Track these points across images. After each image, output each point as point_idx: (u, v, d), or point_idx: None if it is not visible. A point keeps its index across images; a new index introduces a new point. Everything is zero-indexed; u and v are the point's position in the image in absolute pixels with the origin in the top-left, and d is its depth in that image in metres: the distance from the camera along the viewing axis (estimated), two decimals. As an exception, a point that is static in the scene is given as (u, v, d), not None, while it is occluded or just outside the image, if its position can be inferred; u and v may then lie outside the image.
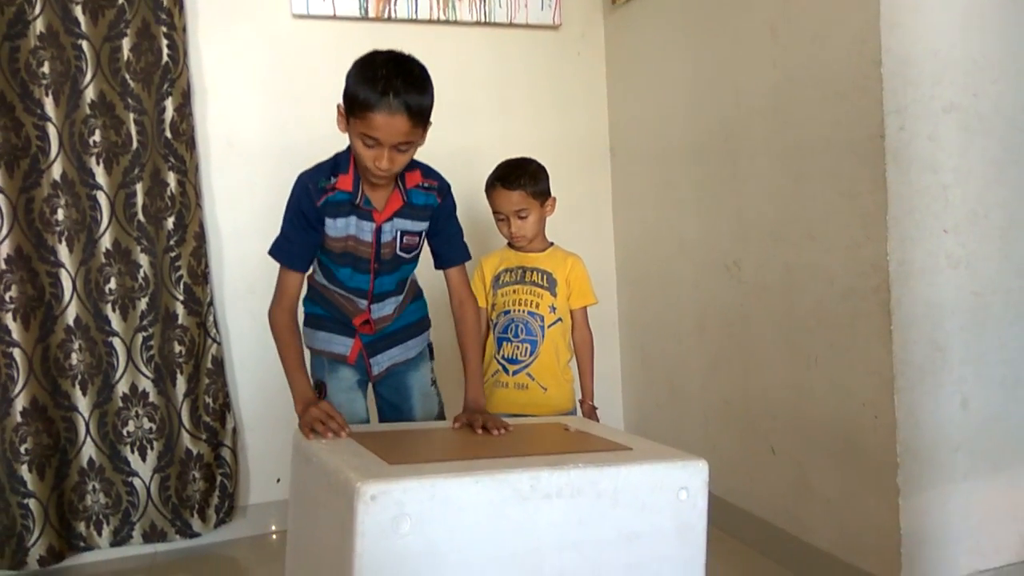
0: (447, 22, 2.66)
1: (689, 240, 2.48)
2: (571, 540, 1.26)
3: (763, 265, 2.14)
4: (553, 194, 2.02)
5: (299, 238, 1.62)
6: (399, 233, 1.66)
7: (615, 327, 2.95)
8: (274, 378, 2.50)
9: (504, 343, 1.97)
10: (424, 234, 1.72)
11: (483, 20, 2.70)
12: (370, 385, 1.83)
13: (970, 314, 1.80)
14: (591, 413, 2.03)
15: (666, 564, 1.32)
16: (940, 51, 1.76)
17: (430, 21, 2.63)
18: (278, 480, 2.52)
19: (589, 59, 2.89)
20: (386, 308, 1.76)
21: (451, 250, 1.76)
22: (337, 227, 1.62)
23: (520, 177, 1.93)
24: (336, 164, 1.63)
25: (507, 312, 1.97)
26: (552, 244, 2.04)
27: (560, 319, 1.98)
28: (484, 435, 1.51)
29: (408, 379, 1.79)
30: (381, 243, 1.65)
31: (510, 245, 2.04)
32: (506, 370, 1.96)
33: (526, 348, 1.95)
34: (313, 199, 1.59)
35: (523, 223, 1.95)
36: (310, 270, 1.75)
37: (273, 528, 2.53)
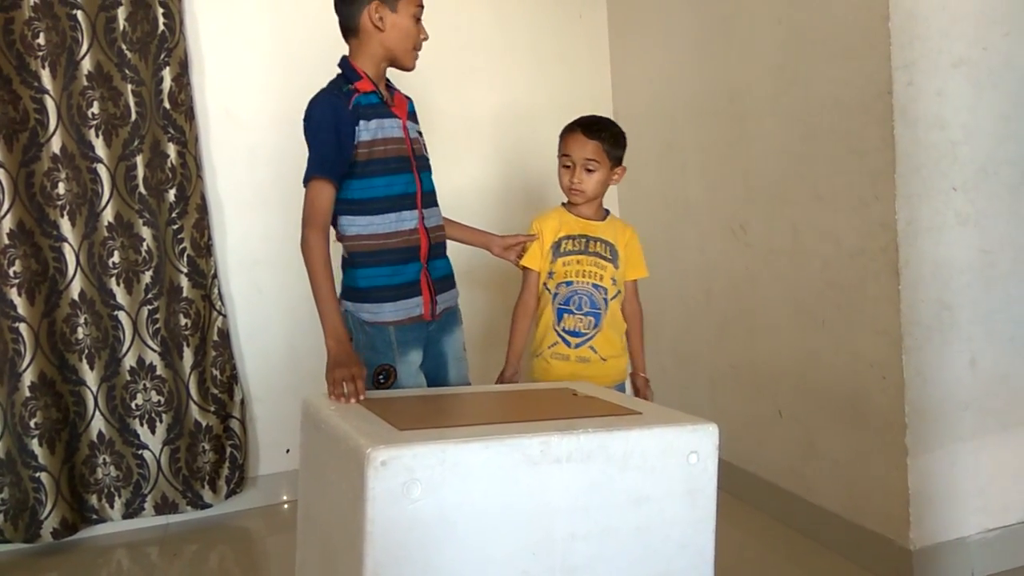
0: (446, -14, 2.61)
1: (694, 203, 2.46)
2: (581, 504, 1.26)
3: (770, 227, 2.12)
4: (624, 167, 1.91)
5: (333, 152, 1.57)
6: (418, 133, 1.74)
7: (620, 293, 2.94)
8: (280, 349, 2.52)
9: (566, 315, 1.86)
10: None
11: (483, -17, 2.65)
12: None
13: (978, 272, 1.78)
14: (645, 385, 1.97)
15: (676, 527, 1.32)
16: (949, 4, 1.72)
17: (429, -15, 2.58)
18: (287, 450, 2.54)
19: (592, 20, 2.85)
20: (434, 217, 1.72)
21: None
22: (371, 129, 1.60)
23: (602, 130, 1.84)
24: (344, 78, 1.64)
25: (569, 283, 1.85)
26: (608, 212, 1.93)
27: (620, 291, 1.89)
28: (502, 395, 1.54)
29: (444, 346, 1.75)
30: (412, 138, 1.69)
31: (565, 205, 1.92)
32: (567, 343, 1.86)
33: (590, 321, 1.85)
34: (343, 104, 1.58)
35: (587, 177, 1.83)
36: (352, 231, 1.66)
37: (284, 498, 2.55)
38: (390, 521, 1.12)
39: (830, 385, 1.95)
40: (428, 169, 1.73)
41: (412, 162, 1.66)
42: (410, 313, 1.65)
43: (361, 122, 1.58)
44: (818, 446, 2.02)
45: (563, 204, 1.93)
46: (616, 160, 1.86)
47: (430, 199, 1.71)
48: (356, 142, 1.58)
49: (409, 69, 1.67)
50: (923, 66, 1.71)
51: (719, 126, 2.30)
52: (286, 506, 2.53)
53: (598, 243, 1.88)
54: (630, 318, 1.95)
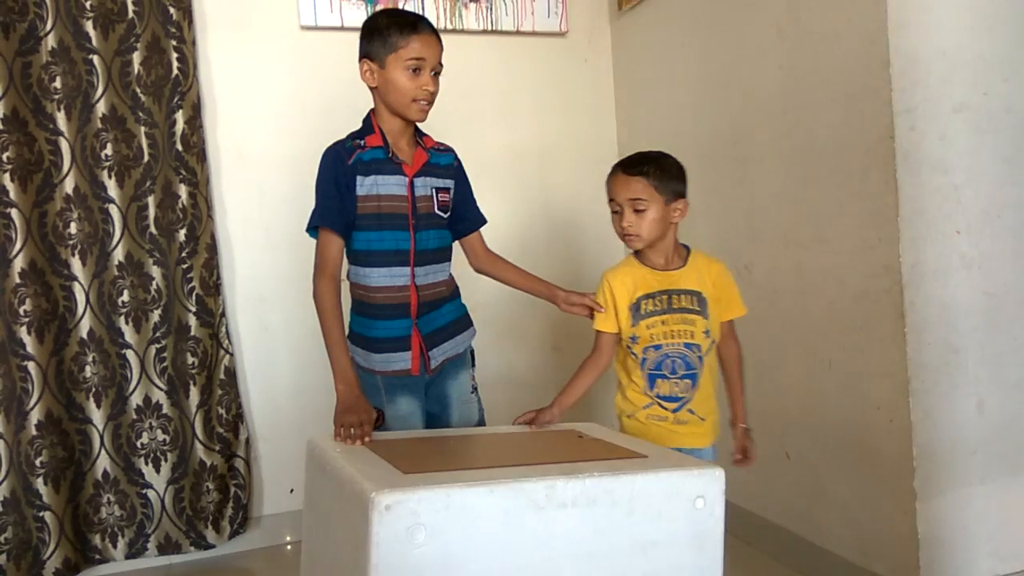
0: (454, 30, 2.67)
1: (700, 244, 2.45)
2: (587, 550, 1.25)
3: (774, 268, 2.13)
4: (687, 200, 1.69)
5: (334, 203, 1.62)
6: (434, 190, 1.72)
7: (626, 332, 2.94)
8: (286, 388, 2.52)
9: (659, 380, 1.65)
10: (451, 197, 1.76)
11: (490, 28, 2.71)
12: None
13: (984, 315, 1.79)
14: (746, 438, 1.78)
15: (683, 573, 1.31)
16: (949, 50, 1.75)
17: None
18: (291, 491, 2.53)
19: (596, 65, 2.89)
20: (430, 275, 1.72)
21: (474, 211, 1.84)
22: (367, 185, 1.63)
23: (644, 164, 1.64)
24: (360, 131, 1.68)
25: (658, 347, 1.64)
26: (688, 250, 1.72)
27: (714, 340, 1.69)
28: (507, 438, 1.53)
29: (448, 388, 1.77)
30: (416, 196, 1.68)
31: (636, 255, 1.71)
32: (664, 407, 1.66)
33: (687, 384, 1.65)
34: (343, 159, 1.63)
35: (638, 218, 1.62)
36: (353, 278, 1.72)
37: (288, 539, 2.53)
38: (394, 566, 1.12)
39: (838, 427, 1.94)
40: (436, 227, 1.72)
41: (410, 219, 1.67)
42: (396, 367, 1.69)
43: (358, 177, 1.63)
44: (826, 489, 2.00)
45: (633, 254, 1.73)
46: (672, 194, 1.64)
47: (427, 257, 1.71)
48: (356, 195, 1.63)
49: (413, 120, 1.68)
50: (924, 111, 1.73)
51: (723, 168, 2.32)
52: (289, 547, 2.51)
53: (682, 296, 1.66)
54: (727, 361, 1.75)
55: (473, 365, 1.85)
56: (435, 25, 2.64)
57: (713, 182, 2.38)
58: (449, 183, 1.76)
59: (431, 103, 1.65)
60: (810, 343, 2.02)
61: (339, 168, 1.63)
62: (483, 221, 1.85)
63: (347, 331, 1.72)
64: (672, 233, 1.68)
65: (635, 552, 1.28)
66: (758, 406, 2.24)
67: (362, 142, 1.65)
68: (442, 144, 1.79)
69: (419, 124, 1.73)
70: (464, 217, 1.81)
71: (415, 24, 1.62)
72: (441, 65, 1.65)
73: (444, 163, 1.76)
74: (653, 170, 1.64)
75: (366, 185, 1.64)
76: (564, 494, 1.22)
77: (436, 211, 1.72)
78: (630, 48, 2.81)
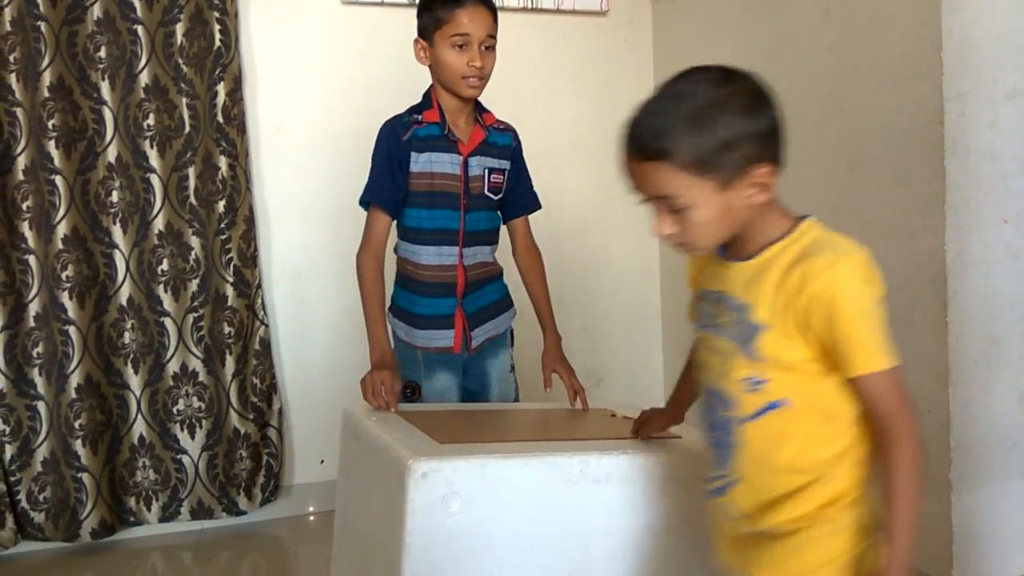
0: (494, 8, 2.65)
1: (736, 229, 2.45)
2: (619, 525, 1.25)
3: (813, 255, 2.10)
4: (763, 163, 0.97)
5: (387, 180, 1.63)
6: (486, 171, 1.69)
7: (658, 318, 2.93)
8: (319, 361, 2.55)
9: (704, 431, 1.08)
10: (507, 178, 1.74)
11: (530, 6, 2.69)
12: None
13: (1029, 307, 1.75)
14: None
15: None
16: (1003, 35, 1.71)
17: (477, 7, 2.62)
18: (322, 461, 2.56)
19: (636, 45, 2.86)
20: (478, 256, 1.72)
21: (529, 197, 1.80)
22: (421, 162, 1.63)
23: (662, 134, 0.94)
24: (419, 106, 1.68)
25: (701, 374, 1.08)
26: (785, 235, 1.00)
27: (777, 403, 0.97)
28: (541, 414, 1.54)
29: (488, 367, 1.78)
30: (469, 176, 1.67)
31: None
32: (708, 489, 1.08)
33: (718, 454, 1.05)
34: (399, 135, 1.63)
35: (680, 217, 0.97)
36: (401, 253, 1.73)
37: (311, 509, 2.56)
38: (428, 533, 1.13)
39: (872, 417, 1.92)
40: (487, 208, 1.72)
41: (461, 200, 1.67)
42: (439, 344, 1.70)
43: (413, 154, 1.63)
44: (858, 479, 1.98)
45: None
46: (713, 167, 0.93)
47: (476, 238, 1.71)
48: (410, 171, 1.63)
49: (466, 98, 1.66)
50: (976, 97, 1.69)
51: (764, 152, 2.29)
52: (312, 518, 2.55)
53: (725, 306, 1.02)
54: (889, 460, 0.95)
55: (512, 345, 1.85)
56: (475, 2, 2.64)
57: (753, 166, 2.34)
58: (504, 164, 1.74)
59: (483, 79, 1.62)
60: (847, 331, 1.99)
61: (394, 143, 1.63)
62: (531, 207, 1.81)
63: (390, 303, 1.74)
64: (763, 215, 0.99)
65: (667, 531, 1.28)
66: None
67: (419, 117, 1.65)
68: (503, 123, 1.76)
69: (480, 100, 1.71)
70: (513, 201, 1.79)
71: None
72: (492, 38, 1.62)
73: (502, 143, 1.74)
74: (672, 139, 0.93)
75: (420, 162, 1.63)
76: (598, 470, 1.23)
77: (486, 192, 1.71)
78: (671, 29, 2.77)
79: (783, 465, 0.99)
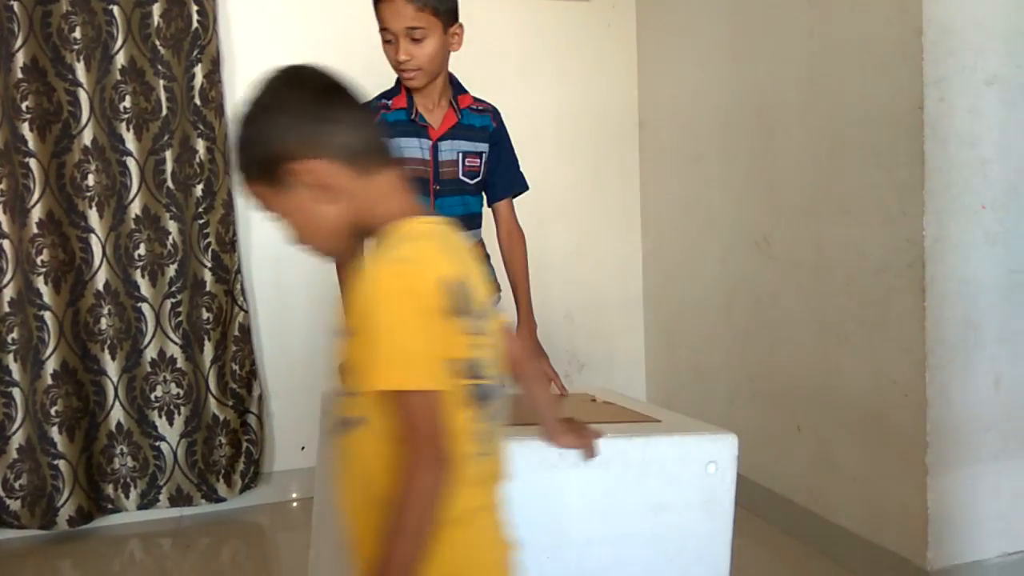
0: (476, -9, 2.63)
1: (717, 215, 2.45)
2: (598, 510, 1.25)
3: (794, 240, 2.11)
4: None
5: None
6: (460, 155, 1.65)
7: (639, 303, 2.93)
8: (299, 347, 2.53)
9: None
10: (485, 161, 1.69)
11: (513, -10, 2.67)
12: None
13: (1006, 292, 1.76)
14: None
15: (692, 537, 1.31)
16: (983, 21, 1.71)
17: (459, -10, 2.60)
18: (303, 448, 2.55)
19: (620, 30, 2.85)
20: None
21: (511, 179, 1.75)
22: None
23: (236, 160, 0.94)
24: (389, 91, 1.65)
25: None
26: (377, 236, 0.92)
27: (358, 420, 0.89)
28: (520, 399, 1.53)
29: None
30: (439, 161, 1.63)
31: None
32: None
33: None
34: None
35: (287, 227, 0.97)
36: None
37: (294, 495, 2.56)
38: (407, 518, 1.12)
39: (851, 401, 1.93)
40: (461, 193, 1.67)
41: (431, 185, 1.63)
42: None
43: None
44: (836, 463, 2.00)
45: None
46: (272, 168, 0.90)
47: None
48: None
49: (410, 89, 1.61)
50: (956, 82, 1.70)
51: (745, 138, 2.29)
52: (295, 504, 2.54)
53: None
54: (397, 492, 0.83)
55: None
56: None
57: (735, 152, 2.35)
58: (480, 147, 1.68)
59: (419, 69, 1.55)
60: (827, 316, 2.00)
61: None
62: (514, 189, 1.76)
63: None
64: (365, 219, 0.93)
65: (645, 514, 1.28)
66: (771, 378, 2.24)
67: (388, 102, 1.62)
68: (482, 103, 1.71)
69: (461, 81, 1.68)
70: (494, 183, 1.73)
71: None
72: (417, 28, 1.52)
73: (479, 125, 1.68)
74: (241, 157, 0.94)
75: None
76: (577, 454, 1.22)
77: (461, 176, 1.67)
78: (655, 14, 2.76)
79: (361, 486, 0.90)
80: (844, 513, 1.97)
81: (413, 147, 1.62)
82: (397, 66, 1.56)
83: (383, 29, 1.55)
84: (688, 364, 2.67)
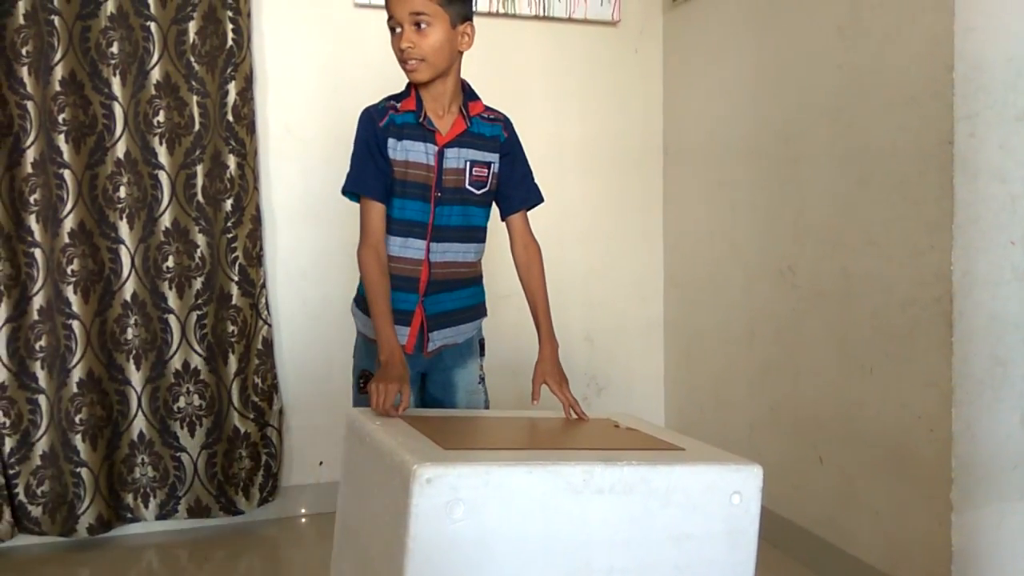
0: (506, 15, 2.67)
1: (741, 243, 2.45)
2: (621, 537, 1.25)
3: (819, 271, 2.10)
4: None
5: (369, 167, 1.59)
6: (467, 163, 1.63)
7: (660, 328, 2.93)
8: (320, 363, 2.55)
9: None
10: (494, 173, 1.67)
11: (542, 14, 2.70)
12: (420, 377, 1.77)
13: (1035, 329, 1.75)
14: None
15: (715, 567, 1.30)
16: (1015, 57, 1.71)
17: (489, 14, 2.63)
18: (320, 463, 2.56)
19: (646, 56, 2.87)
20: (448, 254, 1.65)
21: (525, 191, 1.72)
22: (398, 150, 1.59)
23: None
24: (398, 94, 1.64)
25: None
26: None
27: None
28: (544, 423, 1.52)
29: (454, 376, 1.73)
30: (443, 167, 1.61)
31: None
32: None
33: None
34: (375, 121, 1.59)
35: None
36: None
37: (303, 511, 2.56)
38: (431, 539, 1.12)
39: (875, 434, 1.92)
40: (465, 203, 1.64)
41: (432, 192, 1.61)
42: None
43: (390, 140, 1.59)
44: (859, 496, 1.98)
45: None
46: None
47: (446, 234, 1.64)
48: (388, 158, 1.60)
49: (413, 83, 1.60)
50: (986, 118, 1.69)
51: (771, 167, 2.29)
52: (303, 520, 2.54)
53: None
54: None
55: (482, 355, 1.80)
56: (488, 9, 2.66)
57: (761, 180, 2.35)
58: (491, 157, 1.66)
59: (422, 59, 1.54)
60: (852, 348, 1.99)
61: (370, 129, 1.59)
62: (529, 202, 1.72)
63: (355, 294, 1.72)
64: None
65: (668, 543, 1.27)
66: (793, 408, 2.22)
67: (397, 104, 1.61)
68: (493, 112, 1.69)
69: (475, 89, 1.67)
70: (507, 195, 1.70)
71: None
72: (420, 15, 1.52)
73: (489, 134, 1.65)
74: None
75: (397, 149, 1.59)
76: (602, 480, 1.22)
77: (467, 186, 1.63)
78: (682, 40, 2.78)
79: None
80: (866, 547, 1.95)
81: (419, 151, 1.60)
82: (400, 55, 1.55)
83: (389, 19, 1.55)
84: (708, 391, 2.66)
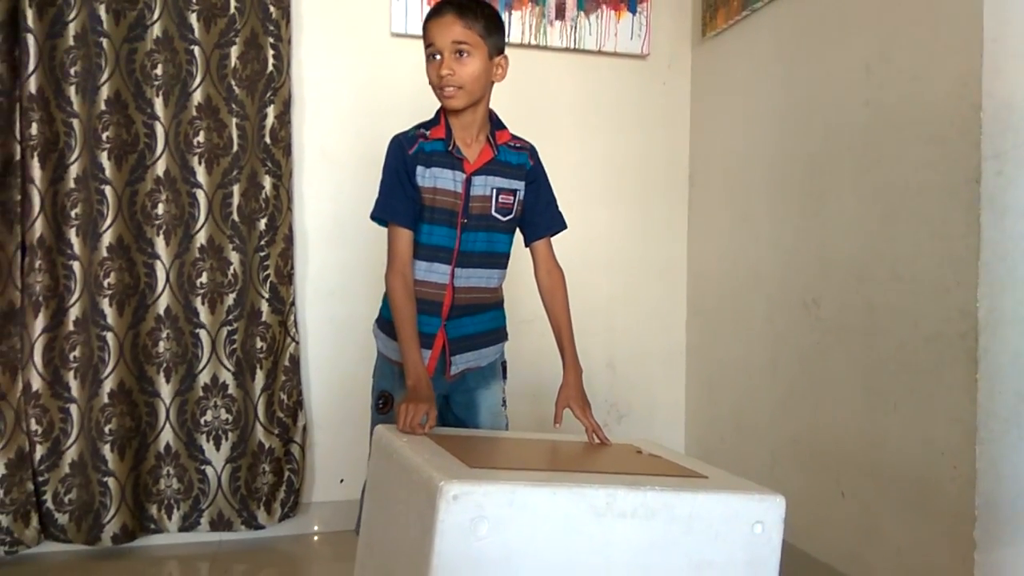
0: (537, 47, 2.72)
1: (765, 274, 2.47)
2: (642, 562, 1.26)
3: (844, 304, 2.11)
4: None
5: (398, 193, 1.63)
6: (494, 191, 1.67)
7: (682, 356, 2.94)
8: (345, 381, 2.58)
9: None
10: (520, 200, 1.71)
11: (572, 47, 2.75)
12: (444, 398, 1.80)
13: (1061, 369, 1.74)
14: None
15: (734, 595, 1.31)
16: (1044, 98, 1.72)
17: (521, 45, 2.69)
18: (341, 480, 2.58)
19: (674, 88, 2.91)
20: (472, 279, 1.69)
21: (550, 218, 1.76)
22: (427, 176, 1.63)
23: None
24: (428, 122, 1.69)
25: None
26: None
27: None
28: (568, 446, 1.54)
29: (478, 396, 1.77)
30: (470, 195, 1.65)
31: None
32: None
33: None
34: (405, 149, 1.64)
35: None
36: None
37: (315, 528, 2.58)
38: (456, 556, 1.14)
39: (897, 469, 1.91)
40: (490, 230, 1.68)
41: (459, 218, 1.65)
42: None
43: (419, 167, 1.64)
44: (880, 531, 1.97)
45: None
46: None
47: (471, 259, 1.68)
48: (417, 185, 1.64)
49: (449, 109, 1.64)
50: (1015, 157, 1.71)
51: (796, 200, 2.31)
52: (316, 537, 2.56)
53: None
54: None
55: (505, 378, 1.82)
56: (520, 40, 2.71)
57: (785, 213, 2.37)
58: (517, 184, 1.70)
59: (460, 87, 1.58)
60: (875, 382, 1.99)
61: (400, 157, 1.64)
62: (552, 228, 1.77)
63: (378, 315, 1.76)
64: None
65: (689, 570, 1.28)
66: (815, 441, 2.22)
67: (426, 132, 1.66)
68: (520, 141, 1.73)
69: (501, 118, 1.71)
70: (532, 222, 1.75)
71: (431, 11, 1.61)
72: (462, 43, 1.57)
73: (516, 162, 1.70)
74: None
75: (426, 176, 1.63)
76: (624, 504, 1.23)
77: (493, 213, 1.68)
78: (710, 74, 2.82)
79: None
80: (886, 584, 1.94)
81: (447, 178, 1.64)
82: (439, 82, 1.59)
83: (428, 46, 1.60)
84: (729, 420, 2.66)
